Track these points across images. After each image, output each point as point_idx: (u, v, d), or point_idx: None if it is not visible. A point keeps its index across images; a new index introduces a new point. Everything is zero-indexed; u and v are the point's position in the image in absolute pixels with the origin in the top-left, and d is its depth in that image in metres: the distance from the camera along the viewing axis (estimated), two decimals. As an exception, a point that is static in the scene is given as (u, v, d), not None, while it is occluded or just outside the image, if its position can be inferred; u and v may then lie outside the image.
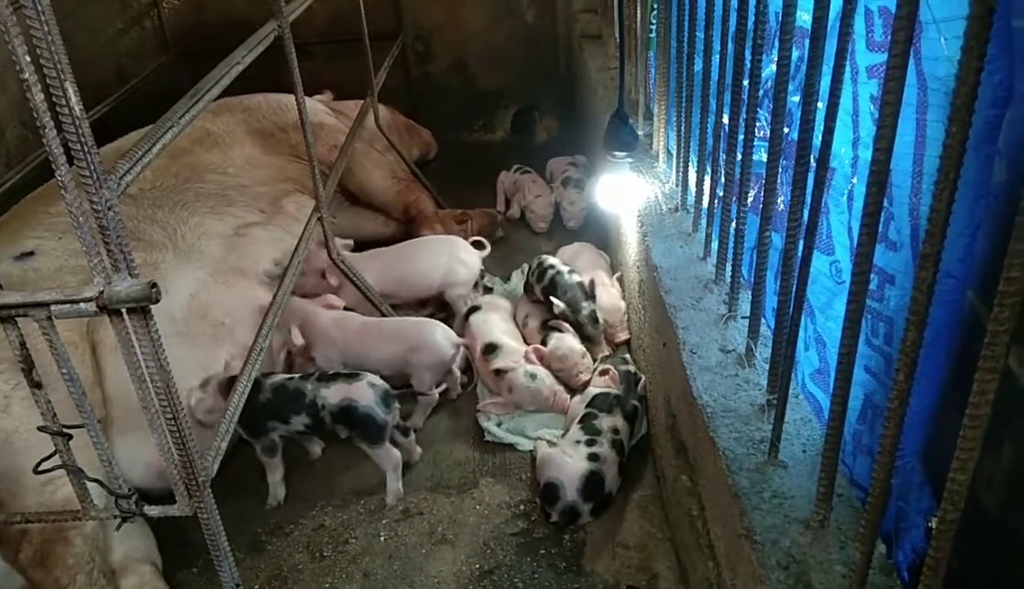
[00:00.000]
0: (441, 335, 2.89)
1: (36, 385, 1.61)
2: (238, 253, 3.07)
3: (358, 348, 2.92)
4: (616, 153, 2.72)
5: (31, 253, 2.65)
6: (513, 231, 4.20)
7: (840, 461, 1.41)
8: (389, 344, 2.89)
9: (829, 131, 1.36)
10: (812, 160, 1.44)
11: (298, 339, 2.92)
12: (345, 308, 3.16)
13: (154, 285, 1.44)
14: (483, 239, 3.65)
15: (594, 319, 3.02)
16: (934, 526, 1.05)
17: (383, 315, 3.24)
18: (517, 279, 3.68)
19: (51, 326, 1.52)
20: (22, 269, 2.56)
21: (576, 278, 3.14)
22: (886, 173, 1.14)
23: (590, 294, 3.08)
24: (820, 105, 1.42)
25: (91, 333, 2.54)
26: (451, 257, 3.36)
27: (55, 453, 1.71)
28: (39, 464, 1.70)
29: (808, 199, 1.44)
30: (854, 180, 1.52)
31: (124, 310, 1.48)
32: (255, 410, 2.52)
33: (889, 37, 1.07)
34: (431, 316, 3.45)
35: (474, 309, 3.21)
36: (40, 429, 1.66)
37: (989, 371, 0.92)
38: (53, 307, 1.47)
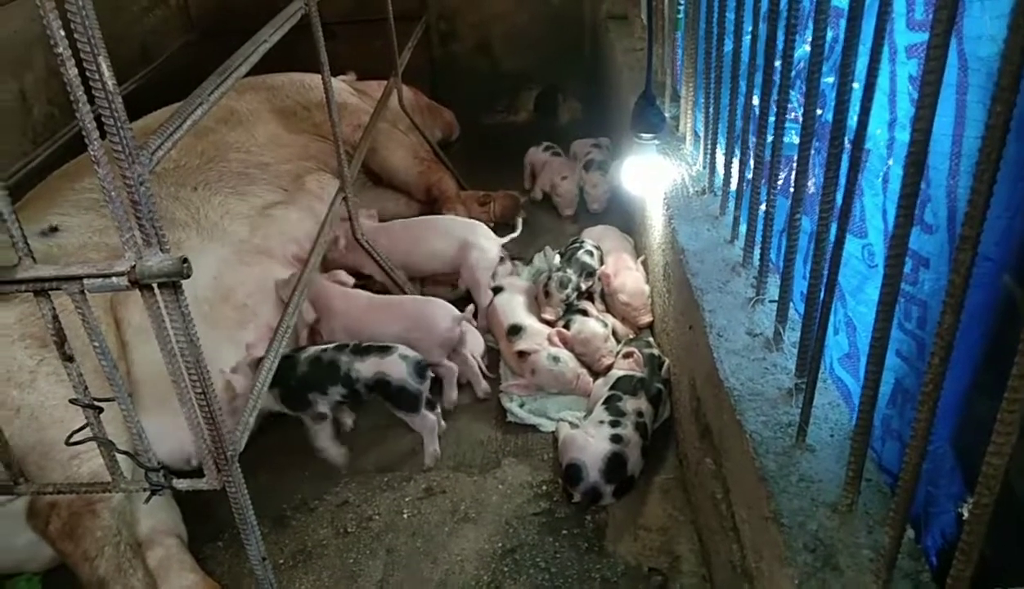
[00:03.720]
0: (441, 314, 2.89)
1: (68, 358, 1.63)
2: (262, 233, 3.08)
3: (363, 324, 2.94)
4: (643, 135, 2.70)
5: (55, 229, 2.67)
6: (537, 213, 4.19)
7: (868, 446, 1.41)
8: (391, 323, 2.90)
9: (865, 112, 1.34)
10: (847, 142, 1.42)
11: (310, 315, 2.95)
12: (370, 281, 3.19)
13: (185, 260, 1.46)
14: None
15: (561, 284, 3.06)
16: (965, 512, 1.04)
17: (404, 294, 3.25)
18: (540, 261, 3.67)
19: (84, 300, 1.54)
20: (47, 245, 2.58)
21: (588, 258, 3.19)
22: (924, 154, 1.12)
23: (586, 274, 3.15)
24: (856, 86, 1.41)
25: (114, 310, 2.56)
26: (464, 241, 3.31)
27: (86, 425, 1.73)
28: (71, 436, 1.72)
29: (842, 181, 1.42)
30: (890, 162, 1.50)
31: (155, 285, 1.50)
32: (295, 385, 2.61)
33: (931, 16, 1.05)
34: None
35: (497, 290, 3.22)
36: (72, 401, 1.68)
37: (1030, 354, 0.90)
38: (86, 281, 1.49)
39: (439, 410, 2.75)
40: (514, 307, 3.10)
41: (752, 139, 2.07)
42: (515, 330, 2.98)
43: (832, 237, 1.46)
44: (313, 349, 2.72)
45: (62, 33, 1.28)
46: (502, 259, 3.40)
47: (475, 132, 5.18)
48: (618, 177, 3.36)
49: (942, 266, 1.37)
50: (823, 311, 1.50)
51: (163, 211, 2.90)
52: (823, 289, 1.50)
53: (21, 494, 2.02)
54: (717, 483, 1.99)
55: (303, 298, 2.44)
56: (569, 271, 3.10)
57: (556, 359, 2.82)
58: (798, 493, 1.50)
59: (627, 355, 2.78)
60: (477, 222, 3.53)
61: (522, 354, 2.88)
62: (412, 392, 2.58)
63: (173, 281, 1.48)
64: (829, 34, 1.61)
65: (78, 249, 2.61)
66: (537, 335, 2.94)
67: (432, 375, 2.66)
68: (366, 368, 2.60)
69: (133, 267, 1.45)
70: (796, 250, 1.77)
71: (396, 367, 2.59)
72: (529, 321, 3.02)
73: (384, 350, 2.65)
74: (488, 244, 3.34)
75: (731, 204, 2.35)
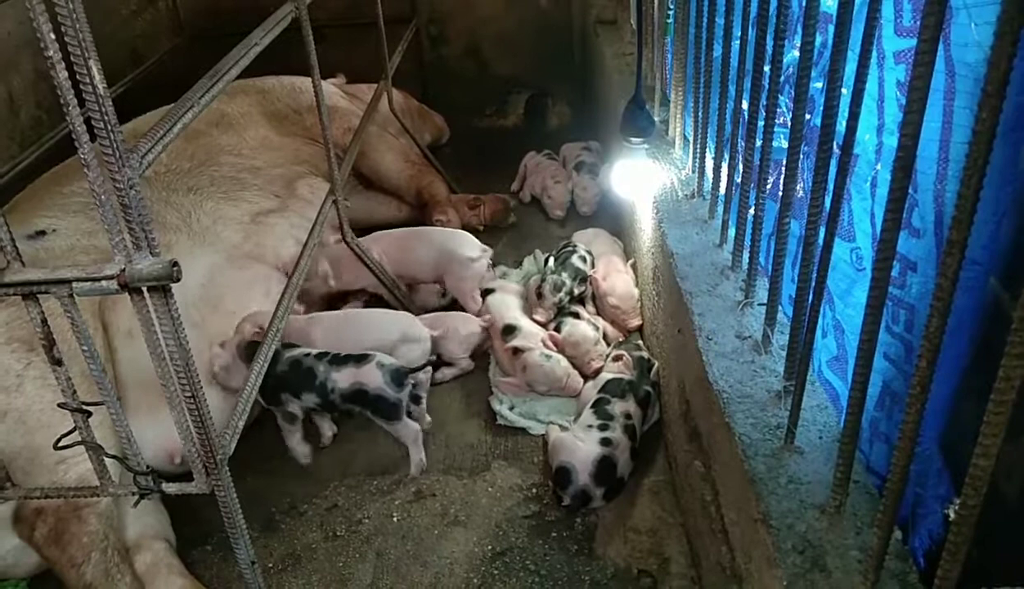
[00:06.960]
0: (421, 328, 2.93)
1: (57, 362, 1.63)
2: (255, 241, 3.07)
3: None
4: (632, 139, 2.71)
5: (43, 232, 2.66)
6: (526, 216, 4.20)
7: (856, 448, 1.42)
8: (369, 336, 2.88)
9: (854, 117, 1.35)
10: (835, 146, 1.43)
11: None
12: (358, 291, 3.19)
13: (175, 264, 1.45)
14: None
15: (555, 287, 3.06)
16: (952, 514, 1.05)
17: (396, 298, 3.25)
18: (529, 264, 3.67)
19: (73, 303, 1.53)
20: (34, 248, 2.57)
21: (582, 264, 3.19)
22: (912, 159, 1.13)
23: (578, 280, 3.14)
24: (844, 91, 1.42)
25: (102, 314, 2.55)
26: (444, 250, 3.27)
27: (74, 429, 1.72)
28: (59, 439, 1.71)
29: (830, 186, 1.44)
30: (878, 167, 1.51)
31: (145, 288, 1.49)
32: (272, 380, 2.59)
33: (919, 22, 1.06)
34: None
35: (488, 291, 3.22)
36: (60, 406, 1.68)
37: (1016, 357, 0.91)
38: (75, 285, 1.48)
39: (424, 405, 2.73)
40: (508, 306, 3.12)
41: (741, 143, 2.09)
42: (509, 330, 2.99)
43: (820, 241, 1.47)
44: (297, 351, 2.68)
45: (52, 36, 1.28)
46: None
47: (465, 136, 5.19)
48: (608, 181, 3.37)
49: (929, 270, 1.38)
50: (811, 314, 1.51)
51: (154, 214, 2.89)
52: (811, 292, 1.51)
53: (9, 498, 2.01)
54: (706, 485, 2.00)
55: (293, 300, 2.44)
56: (564, 274, 3.10)
57: (548, 356, 2.83)
58: (787, 495, 1.51)
59: (616, 358, 2.79)
60: (461, 231, 3.46)
61: (516, 351, 2.88)
62: (391, 401, 2.54)
63: (163, 285, 1.47)
64: (818, 39, 1.62)
65: (66, 251, 2.60)
66: (532, 336, 2.94)
67: (412, 381, 2.62)
68: (343, 378, 2.57)
69: (123, 270, 1.44)
70: (785, 254, 1.78)
71: (372, 376, 2.55)
72: (524, 321, 3.04)
73: (361, 359, 2.60)
74: (472, 253, 3.25)
75: (720, 208, 2.37)
